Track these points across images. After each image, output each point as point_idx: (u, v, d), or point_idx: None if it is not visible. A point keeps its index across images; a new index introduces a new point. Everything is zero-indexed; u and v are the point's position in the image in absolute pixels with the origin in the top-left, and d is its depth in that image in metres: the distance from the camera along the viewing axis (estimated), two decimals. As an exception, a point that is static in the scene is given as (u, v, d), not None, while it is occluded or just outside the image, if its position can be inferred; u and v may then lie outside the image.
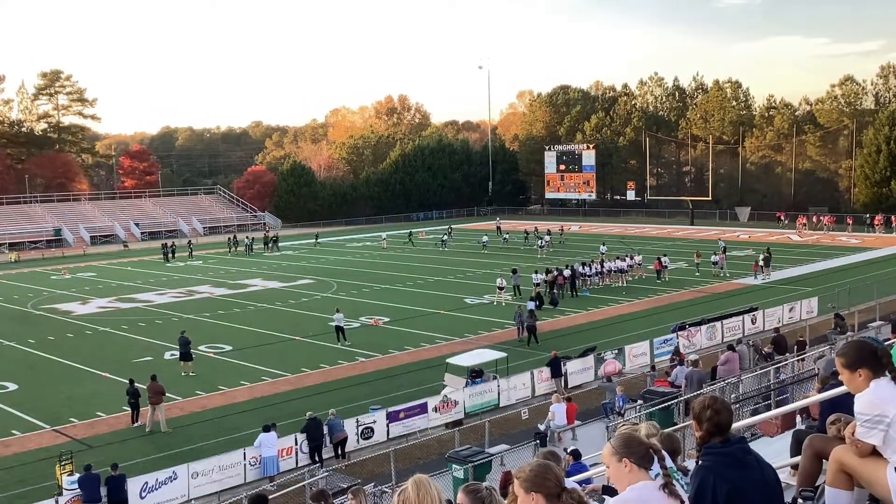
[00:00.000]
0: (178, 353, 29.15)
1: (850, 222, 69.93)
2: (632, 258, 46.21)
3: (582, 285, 42.35)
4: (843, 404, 6.03)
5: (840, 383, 7.01)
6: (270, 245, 67.18)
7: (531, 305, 34.80)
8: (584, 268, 43.35)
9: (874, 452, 4.00)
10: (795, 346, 25.92)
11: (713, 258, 47.42)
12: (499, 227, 74.04)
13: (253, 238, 68.44)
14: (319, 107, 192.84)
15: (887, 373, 4.00)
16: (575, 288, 41.28)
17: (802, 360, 22.53)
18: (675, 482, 3.56)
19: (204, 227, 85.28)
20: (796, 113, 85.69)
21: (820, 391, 7.21)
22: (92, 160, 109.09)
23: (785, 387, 18.33)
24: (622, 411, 19.97)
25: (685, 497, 3.63)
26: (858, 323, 31.03)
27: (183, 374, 28.21)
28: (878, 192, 74.06)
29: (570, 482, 4.77)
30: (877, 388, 3.96)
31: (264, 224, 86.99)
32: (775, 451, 7.54)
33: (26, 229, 76.44)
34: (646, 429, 5.26)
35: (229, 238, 68.72)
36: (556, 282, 39.87)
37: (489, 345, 29.87)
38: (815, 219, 70.73)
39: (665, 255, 48.22)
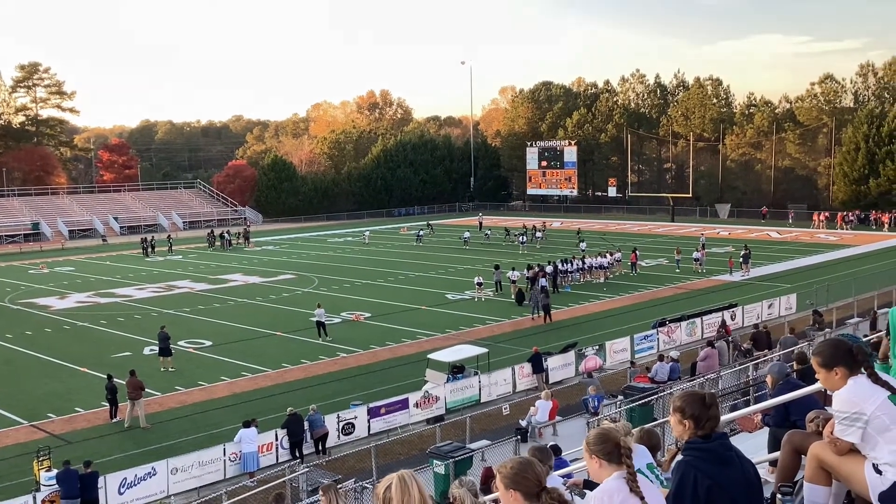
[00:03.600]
0: (157, 348, 28.97)
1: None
2: (612, 254, 46.45)
3: (563, 281, 42.50)
4: (800, 404, 6.13)
5: (792, 385, 7.12)
6: (244, 239, 67.07)
7: (543, 282, 35.54)
8: (565, 264, 43.49)
9: (852, 449, 4.04)
10: (779, 344, 26.09)
11: (695, 255, 47.72)
12: (481, 224, 74.15)
13: (226, 231, 68.00)
14: (301, 101, 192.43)
15: (863, 370, 4.03)
16: (556, 285, 41.43)
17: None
18: (641, 479, 3.61)
19: (184, 222, 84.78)
20: (776, 111, 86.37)
21: (772, 395, 7.31)
22: (70, 153, 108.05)
23: (763, 383, 18.48)
24: (597, 410, 20.02)
25: (655, 493, 3.67)
26: (837, 319, 31.31)
27: (162, 369, 28.05)
28: (857, 189, 74.81)
29: (554, 476, 4.79)
30: (854, 386, 3.99)
31: (244, 219, 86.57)
32: (754, 447, 7.61)
33: (4, 223, 75.60)
34: (622, 428, 5.30)
35: (209, 233, 68.39)
36: (538, 278, 39.93)
37: (470, 341, 29.92)
38: (840, 217, 69.98)
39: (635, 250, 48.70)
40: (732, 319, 32.18)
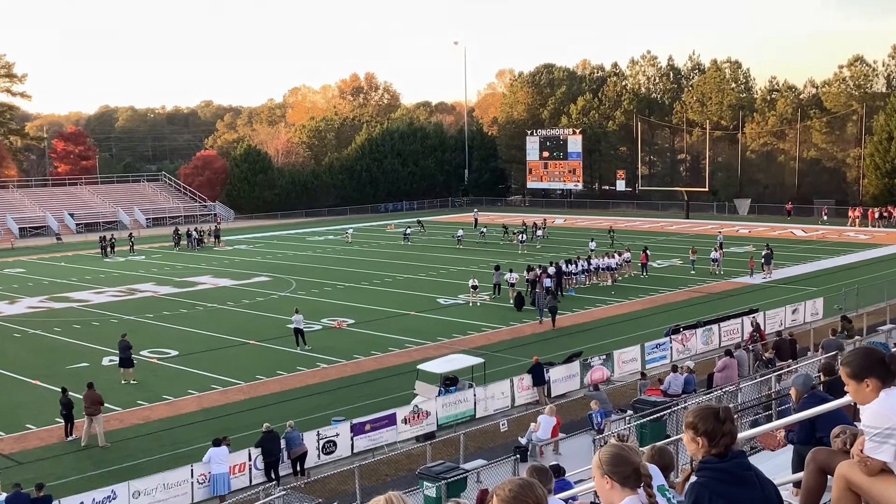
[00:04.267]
0: (117, 358, 28.88)
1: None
2: (620, 255, 46.57)
3: (567, 284, 42.55)
4: (827, 419, 6.14)
5: (818, 399, 7.14)
6: (214, 238, 67.04)
7: (548, 283, 35.89)
8: (569, 265, 43.55)
9: (884, 469, 4.04)
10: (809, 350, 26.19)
11: (713, 255, 47.77)
12: (476, 220, 74.20)
13: (195, 229, 67.75)
14: (277, 85, 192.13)
15: (897, 381, 4.04)
16: (560, 288, 41.46)
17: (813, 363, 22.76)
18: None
19: (147, 219, 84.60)
20: (801, 96, 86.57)
21: (797, 409, 7.33)
22: (21, 143, 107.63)
23: (787, 396, 18.51)
24: (601, 427, 20.05)
25: None
26: (867, 326, 31.42)
27: (123, 381, 27.98)
28: (890, 182, 75.02)
29: (555, 500, 4.79)
30: (886, 399, 3.99)
31: (214, 215, 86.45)
32: (776, 466, 7.63)
33: (-54, 220, 75.39)
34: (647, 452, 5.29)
35: (174, 231, 68.13)
36: (540, 280, 39.94)
37: (464, 350, 29.94)
38: (871, 214, 70.02)
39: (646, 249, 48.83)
40: (752, 326, 32.22)
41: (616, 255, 46.27)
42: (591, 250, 50.88)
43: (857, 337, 27.65)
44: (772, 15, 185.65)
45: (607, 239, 58.36)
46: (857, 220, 69.78)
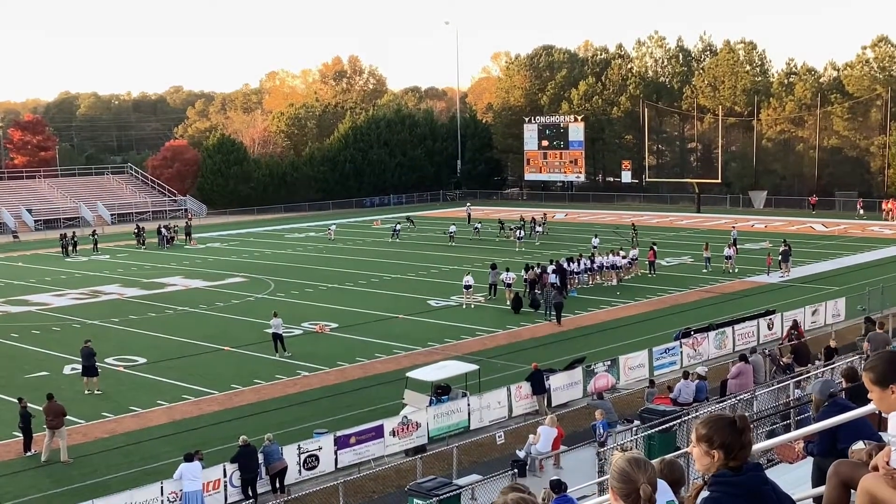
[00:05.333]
0: (80, 366, 28.84)
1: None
2: (623, 252, 46.68)
3: (569, 284, 42.58)
4: (850, 429, 6.17)
5: (840, 407, 7.16)
6: (185, 235, 67.00)
7: (553, 278, 36.91)
8: (570, 264, 43.60)
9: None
10: (822, 355, 26.28)
11: (726, 252, 47.80)
12: (469, 216, 74.25)
13: (164, 226, 67.40)
14: (253, 69, 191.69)
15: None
16: (565, 286, 41.46)
17: (832, 370, 22.85)
18: None
19: (111, 215, 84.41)
20: (821, 80, 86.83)
21: (817, 418, 7.35)
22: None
23: (806, 404, 18.59)
24: (603, 440, 20.09)
25: None
26: (893, 328, 31.53)
27: (87, 391, 27.94)
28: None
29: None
30: (914, 406, 4.02)
31: (185, 210, 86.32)
32: (795, 480, 7.66)
33: None
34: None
35: (137, 229, 67.44)
36: (542, 280, 39.99)
37: (458, 356, 29.95)
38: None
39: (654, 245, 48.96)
40: (770, 329, 32.37)
41: (621, 253, 46.29)
42: (594, 247, 50.96)
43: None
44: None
45: (629, 235, 57.62)
46: (893, 213, 69.80)
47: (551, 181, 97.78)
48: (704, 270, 47.04)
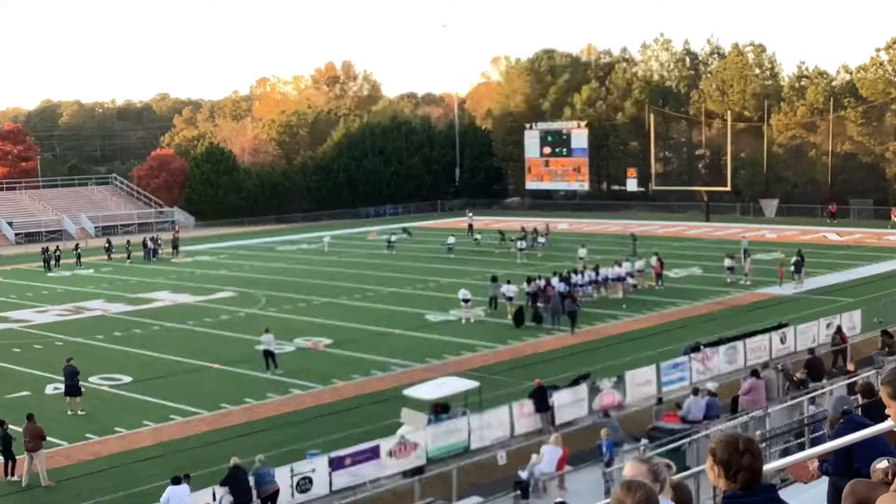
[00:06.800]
0: (62, 386, 28.81)
1: None
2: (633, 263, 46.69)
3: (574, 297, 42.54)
4: (865, 447, 6.15)
5: (855, 424, 7.15)
6: (172, 248, 67.07)
7: (561, 287, 38.09)
8: (575, 275, 43.59)
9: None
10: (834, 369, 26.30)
11: (727, 263, 47.61)
12: (470, 226, 74.15)
13: (150, 238, 67.41)
14: (242, 76, 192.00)
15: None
16: (573, 298, 41.38)
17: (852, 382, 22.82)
18: None
19: (95, 227, 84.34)
20: (833, 83, 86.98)
21: (832, 436, 7.35)
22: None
23: (821, 421, 18.58)
24: (611, 460, 20.06)
25: None
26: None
27: (70, 412, 27.89)
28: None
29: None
30: (933, 423, 4.01)
31: (172, 222, 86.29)
32: (810, 501, 7.64)
33: None
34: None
35: (106, 243, 68.01)
36: (546, 293, 39.94)
37: (457, 372, 29.90)
38: None
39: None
40: (783, 343, 32.34)
41: (624, 265, 46.16)
42: (581, 258, 51.03)
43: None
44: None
45: (628, 245, 57.88)
46: None
47: (554, 190, 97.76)
48: (728, 281, 46.78)
